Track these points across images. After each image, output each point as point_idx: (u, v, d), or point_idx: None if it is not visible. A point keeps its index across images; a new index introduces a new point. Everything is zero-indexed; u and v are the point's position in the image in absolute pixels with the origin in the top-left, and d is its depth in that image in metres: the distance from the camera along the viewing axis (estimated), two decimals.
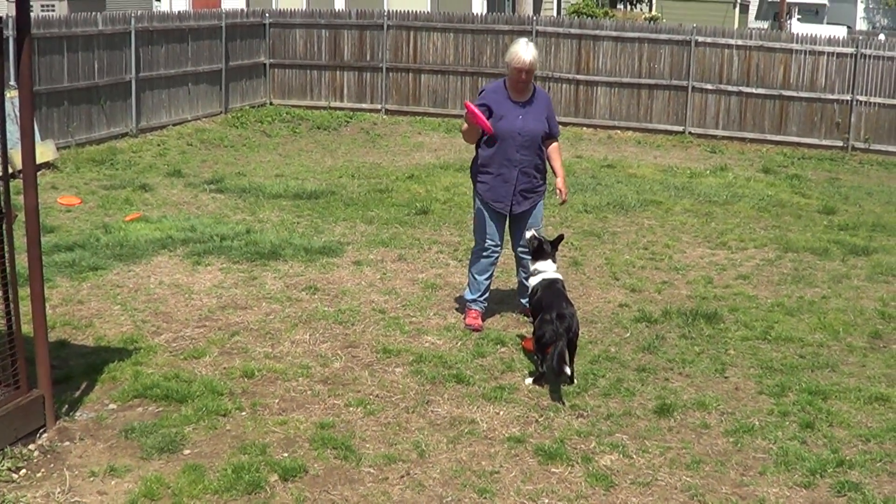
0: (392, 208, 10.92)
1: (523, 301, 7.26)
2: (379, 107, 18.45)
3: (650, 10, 34.90)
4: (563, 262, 8.73)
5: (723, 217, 11.10)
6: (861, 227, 10.76)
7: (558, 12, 27.33)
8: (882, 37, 20.14)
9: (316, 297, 7.74)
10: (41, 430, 5.20)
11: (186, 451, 5.12)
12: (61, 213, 10.27)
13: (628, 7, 36.12)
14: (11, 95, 11.20)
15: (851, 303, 8.05)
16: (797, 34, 17.37)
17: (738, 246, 9.83)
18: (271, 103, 18.72)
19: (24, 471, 4.85)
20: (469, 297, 7.27)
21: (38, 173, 10.06)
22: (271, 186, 11.78)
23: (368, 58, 18.38)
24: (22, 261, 5.26)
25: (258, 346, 6.67)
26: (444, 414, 5.71)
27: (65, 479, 4.80)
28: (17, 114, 6.77)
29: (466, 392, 6.00)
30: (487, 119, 6.85)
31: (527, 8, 21.70)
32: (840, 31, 27.01)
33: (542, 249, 6.71)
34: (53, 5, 24.30)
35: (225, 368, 6.24)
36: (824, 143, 16.39)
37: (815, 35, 16.98)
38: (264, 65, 18.58)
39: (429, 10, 20.92)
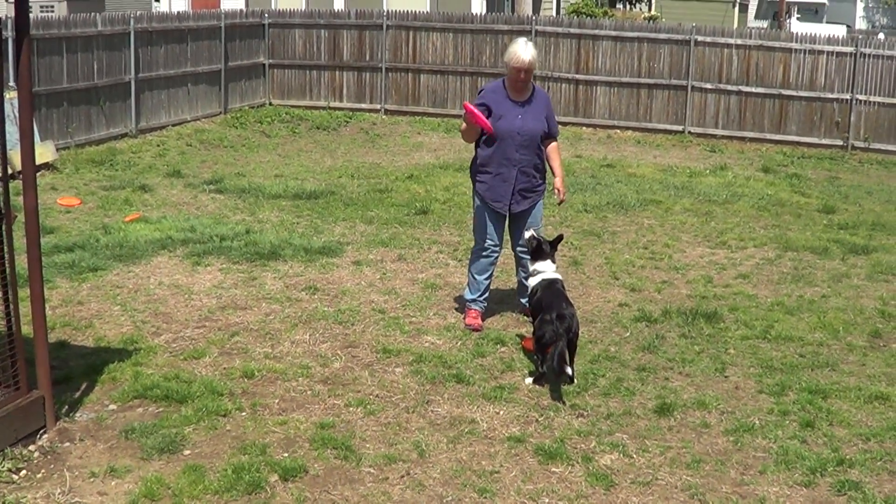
0: (392, 208, 10.92)
1: (523, 301, 7.26)
2: (378, 107, 18.45)
3: (649, 9, 34.90)
4: (563, 261, 8.73)
5: (722, 216, 11.10)
6: (861, 226, 10.77)
7: (557, 12, 27.33)
8: (881, 36, 20.14)
9: (316, 297, 7.74)
10: (41, 431, 5.20)
11: (187, 452, 5.12)
12: (61, 213, 10.27)
13: (627, 7, 36.12)
14: (11, 96, 11.20)
15: (851, 302, 8.05)
16: (797, 33, 17.37)
17: (737, 245, 9.83)
18: (271, 104, 18.72)
19: (24, 472, 4.86)
20: (469, 296, 7.27)
21: (38, 174, 10.05)
22: (271, 187, 11.79)
23: (368, 58, 18.38)
24: (22, 262, 5.26)
25: (258, 346, 6.67)
26: (444, 414, 5.71)
27: (65, 480, 4.80)
28: (17, 115, 6.78)
29: (466, 392, 6.01)
30: (486, 119, 6.85)
31: (526, 8, 21.70)
32: (839, 31, 27.02)
33: (541, 249, 6.71)
34: (53, 6, 24.30)
35: (225, 369, 6.24)
36: (824, 142, 16.39)
37: (815, 34, 16.99)
38: (263, 65, 18.58)
39: (428, 10, 20.92)
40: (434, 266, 8.73)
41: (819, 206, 11.80)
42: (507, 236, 7.34)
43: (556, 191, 7.16)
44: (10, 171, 5.15)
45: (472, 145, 7.16)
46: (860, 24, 38.39)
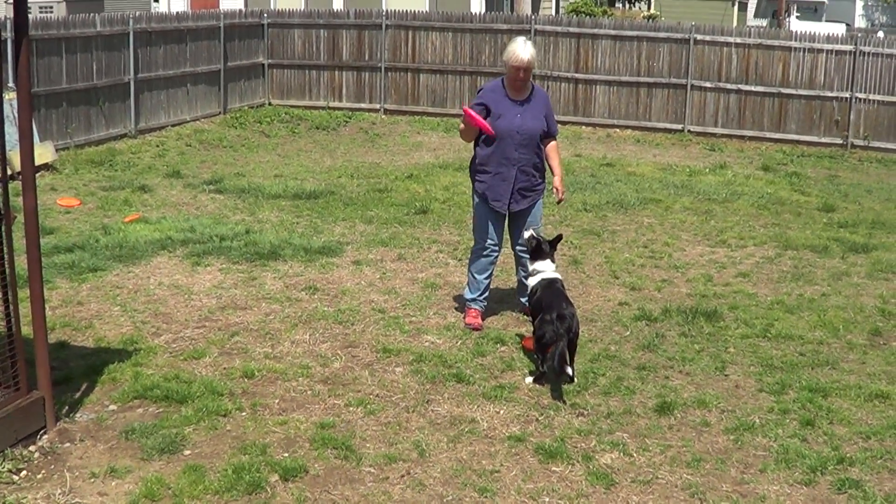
0: (391, 208, 10.92)
1: (523, 300, 7.26)
2: (378, 106, 18.45)
3: (649, 8, 34.91)
4: (563, 260, 8.73)
5: (722, 215, 11.10)
6: (860, 225, 10.76)
7: (557, 11, 27.34)
8: (881, 34, 20.14)
9: (315, 297, 7.74)
10: (41, 432, 5.20)
11: (187, 452, 5.12)
12: (60, 214, 10.27)
13: (627, 5, 36.13)
14: (10, 97, 11.20)
15: (851, 300, 8.05)
16: (796, 32, 17.37)
17: (737, 244, 9.83)
18: (270, 104, 18.72)
19: (24, 472, 4.85)
20: (469, 296, 7.27)
21: (37, 175, 10.06)
22: (270, 187, 11.78)
23: (367, 57, 18.38)
24: (21, 262, 5.25)
25: (258, 346, 6.67)
26: (444, 413, 5.70)
27: (65, 481, 4.80)
28: (16, 115, 6.77)
29: (467, 391, 6.00)
30: (486, 118, 6.85)
31: (525, 7, 21.70)
32: (839, 29, 27.03)
33: (540, 249, 6.71)
34: (52, 7, 24.30)
35: (225, 369, 6.24)
36: (823, 140, 16.39)
37: (814, 33, 17.00)
38: (263, 65, 18.58)
39: (427, 9, 20.93)
40: (434, 265, 8.73)
41: (819, 205, 11.80)
42: (506, 235, 7.34)
43: (555, 190, 7.16)
44: (9, 172, 5.15)
45: (472, 144, 7.16)
46: (859, 22, 38.41)
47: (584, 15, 24.13)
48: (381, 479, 4.93)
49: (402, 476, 4.96)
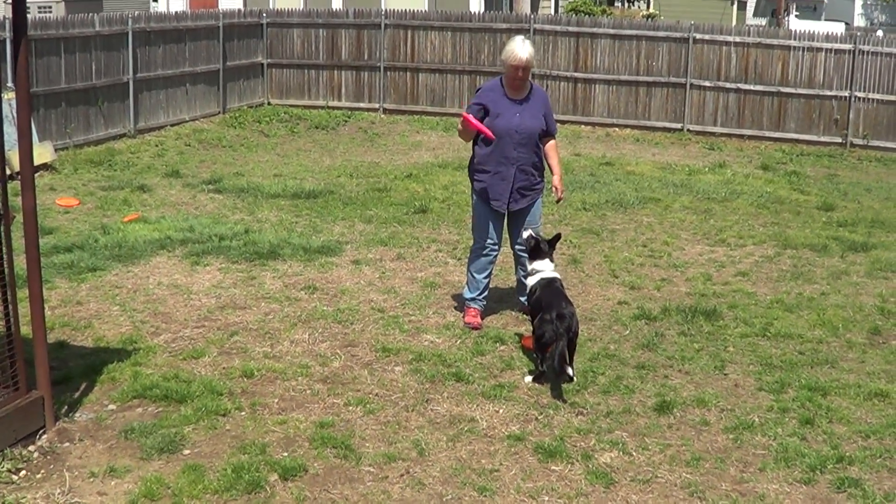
0: (390, 207, 10.92)
1: (522, 299, 7.26)
2: (377, 106, 18.44)
3: (648, 7, 34.90)
4: (562, 259, 8.73)
5: (721, 214, 11.10)
6: (860, 224, 10.76)
7: (556, 10, 27.33)
8: (880, 33, 20.14)
9: (315, 296, 7.74)
10: (41, 432, 5.20)
11: (186, 451, 5.12)
12: (60, 214, 10.27)
13: (626, 4, 36.12)
14: (9, 97, 11.20)
15: (850, 299, 8.05)
16: (795, 31, 17.37)
17: (736, 243, 9.83)
18: (269, 103, 18.72)
19: (23, 472, 4.85)
20: (468, 295, 7.27)
21: (36, 174, 10.07)
22: (270, 186, 11.78)
23: (366, 57, 18.37)
24: (20, 262, 5.25)
25: (257, 345, 6.67)
26: (443, 412, 5.70)
27: (65, 480, 4.80)
28: (15, 115, 6.77)
29: (466, 390, 6.00)
30: (485, 118, 6.85)
31: (524, 6, 21.70)
32: (838, 28, 27.01)
33: (539, 249, 6.70)
34: (50, 7, 24.30)
35: (224, 368, 6.24)
36: (823, 139, 16.39)
37: (813, 32, 16.99)
38: (262, 65, 18.57)
39: (426, 8, 20.92)
40: (433, 265, 8.73)
41: (818, 204, 11.80)
42: (506, 235, 7.34)
43: (554, 189, 7.16)
44: (8, 172, 5.15)
45: (471, 144, 7.16)
46: (858, 21, 38.41)
47: (583, 14, 24.14)
48: (381, 478, 4.93)
49: (402, 475, 4.96)
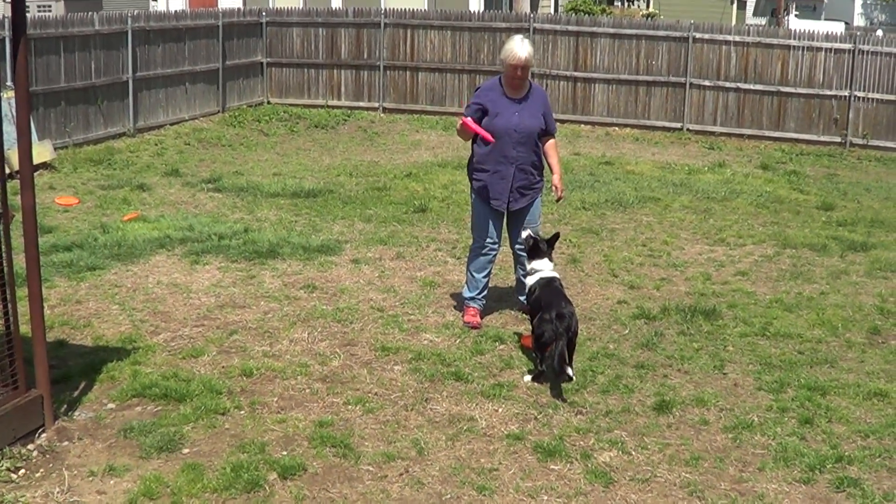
0: (390, 206, 10.92)
1: (521, 298, 7.26)
2: (377, 105, 18.44)
3: (647, 6, 34.90)
4: (562, 259, 8.73)
5: (721, 213, 11.10)
6: (859, 223, 10.77)
7: (556, 10, 27.33)
8: (880, 32, 20.14)
9: (314, 295, 7.74)
10: (40, 430, 5.20)
11: (185, 450, 5.12)
12: (59, 213, 10.26)
13: (626, 4, 36.11)
14: (8, 96, 11.21)
15: (850, 299, 8.06)
16: (795, 30, 17.37)
17: (736, 242, 9.83)
18: (269, 102, 18.71)
19: (22, 471, 4.85)
20: (467, 294, 7.27)
21: (36, 173, 10.06)
22: (269, 185, 11.78)
23: (366, 56, 18.37)
24: (20, 261, 5.25)
25: (257, 344, 6.67)
26: (442, 411, 5.70)
27: (64, 479, 4.80)
28: (14, 114, 6.76)
29: (465, 389, 6.00)
30: (483, 118, 6.85)
31: (524, 5, 21.70)
32: (838, 27, 27.02)
33: (538, 248, 6.70)
34: (50, 5, 24.30)
35: (223, 367, 6.24)
36: (822, 139, 16.39)
37: (813, 31, 16.99)
38: (261, 64, 18.57)
39: (426, 7, 20.91)
40: (432, 264, 8.73)
41: (818, 203, 11.80)
42: (505, 234, 7.34)
43: (554, 188, 7.16)
44: (7, 171, 5.15)
45: (470, 143, 7.16)
46: (858, 20, 38.42)
47: (582, 13, 24.13)
48: (380, 477, 4.93)
49: (401, 474, 4.96)
